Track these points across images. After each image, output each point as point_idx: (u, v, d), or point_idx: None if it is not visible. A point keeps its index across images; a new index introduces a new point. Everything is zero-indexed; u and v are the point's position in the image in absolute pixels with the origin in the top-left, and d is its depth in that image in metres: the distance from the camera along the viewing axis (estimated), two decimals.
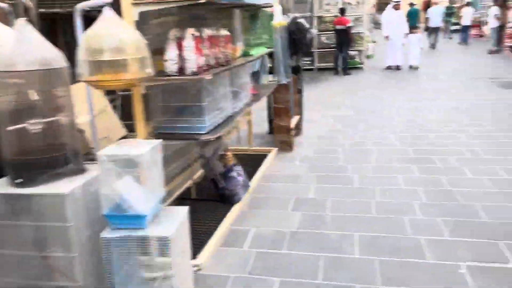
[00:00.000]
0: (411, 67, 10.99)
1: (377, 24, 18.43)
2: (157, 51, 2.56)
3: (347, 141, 5.25)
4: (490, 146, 4.71)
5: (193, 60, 2.42)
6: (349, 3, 11.67)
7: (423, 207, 3.37)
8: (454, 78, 9.43)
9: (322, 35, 11.77)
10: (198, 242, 2.88)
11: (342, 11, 10.89)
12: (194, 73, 2.44)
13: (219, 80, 2.79)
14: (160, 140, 2.21)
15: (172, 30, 2.44)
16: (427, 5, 18.18)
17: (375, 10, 25.67)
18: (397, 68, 11.03)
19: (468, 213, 3.22)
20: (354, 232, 3.03)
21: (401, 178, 3.98)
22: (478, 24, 18.61)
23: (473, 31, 18.42)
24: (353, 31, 11.06)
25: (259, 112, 5.76)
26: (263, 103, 5.58)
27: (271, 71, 5.02)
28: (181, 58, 2.43)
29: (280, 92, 4.87)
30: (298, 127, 5.59)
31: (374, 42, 15.26)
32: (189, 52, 2.41)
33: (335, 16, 11.15)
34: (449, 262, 2.60)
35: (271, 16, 4.99)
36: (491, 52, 13.37)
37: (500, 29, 13.24)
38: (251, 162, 4.48)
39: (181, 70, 2.45)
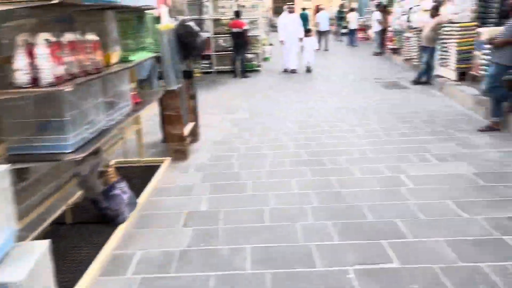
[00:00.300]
0: (306, 69, 11.36)
1: (273, 27, 18.90)
2: (10, 59, 2.18)
3: (243, 146, 5.18)
4: (375, 145, 4.96)
5: (49, 70, 2.09)
6: (243, 6, 11.73)
7: (315, 211, 3.38)
8: (345, 80, 9.96)
9: (219, 38, 11.71)
10: (73, 274, 2.55)
11: (237, 14, 10.92)
12: (51, 84, 2.11)
13: (86, 90, 2.48)
14: (7, 166, 1.86)
15: (20, 35, 2.08)
16: (318, 10, 19.15)
17: (272, 13, 26.51)
18: (293, 71, 11.33)
19: (355, 214, 3.29)
20: (247, 244, 2.92)
21: (294, 182, 3.99)
22: (364, 28, 20.07)
23: (360, 35, 19.82)
24: (249, 34, 11.16)
25: (155, 119, 5.46)
26: (155, 110, 5.29)
27: (160, 77, 4.76)
28: (33, 67, 2.09)
29: (171, 98, 4.63)
30: (194, 133, 5.39)
31: (271, 44, 15.64)
32: (43, 60, 2.08)
33: (231, 19, 11.14)
34: (338, 268, 2.60)
35: (157, 19, 4.72)
36: (375, 54, 14.45)
37: (383, 32, 14.36)
38: (142, 175, 4.19)
39: (35, 81, 2.11)
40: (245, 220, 3.28)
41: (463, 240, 2.84)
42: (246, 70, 11.10)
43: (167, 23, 4.77)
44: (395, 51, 12.78)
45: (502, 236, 2.86)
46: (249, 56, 11.65)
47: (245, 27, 10.79)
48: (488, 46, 5.64)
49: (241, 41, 10.76)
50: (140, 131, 4.65)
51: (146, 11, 4.14)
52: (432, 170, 4.12)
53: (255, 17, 12.09)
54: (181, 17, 5.36)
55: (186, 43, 5.10)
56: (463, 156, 4.43)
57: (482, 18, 7.16)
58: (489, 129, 5.22)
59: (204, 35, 5.33)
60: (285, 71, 11.46)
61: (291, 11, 11.24)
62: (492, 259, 2.60)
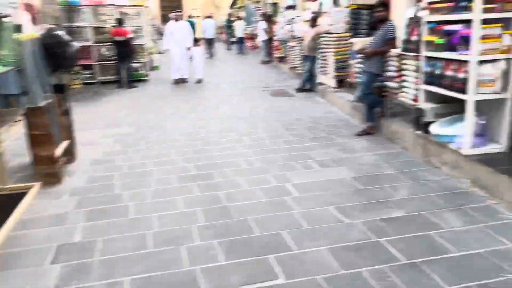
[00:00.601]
0: (196, 79, 11.15)
1: (162, 35, 18.50)
2: None
3: (126, 164, 4.83)
4: (262, 154, 4.99)
5: None
6: (126, 14, 11.20)
7: (201, 230, 3.24)
8: (234, 88, 10.02)
9: (102, 47, 11.02)
10: None
11: (120, 21, 10.38)
12: None
13: None
14: None
15: None
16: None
17: (160, 21, 25.94)
18: (183, 80, 11.06)
19: (242, 229, 3.22)
20: (125, 277, 2.66)
21: (180, 200, 3.80)
22: (253, 36, 20.59)
23: (249, 43, 20.32)
24: (134, 42, 10.68)
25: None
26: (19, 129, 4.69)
27: (25, 93, 4.22)
28: None
29: (37, 116, 4.12)
30: (69, 153, 4.89)
31: (160, 53, 15.23)
32: None
33: (113, 26, 10.54)
34: None
35: (18, 28, 4.20)
36: (263, 63, 14.87)
37: (269, 41, 14.84)
38: (5, 205, 3.65)
39: None
40: (125, 249, 3.00)
41: (344, 247, 2.92)
42: (133, 80, 10.60)
43: (31, 32, 4.27)
44: (282, 59, 13.27)
45: (378, 238, 3.00)
46: (135, 65, 11.15)
47: (129, 35, 10.30)
48: (359, 55, 6.06)
49: (125, 50, 10.25)
50: (1, 155, 4.07)
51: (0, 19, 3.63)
52: (315, 176, 4.24)
53: (140, 24, 11.62)
54: (48, 25, 4.86)
55: (55, 54, 4.64)
56: (343, 161, 4.66)
57: (354, 30, 7.71)
58: (365, 133, 5.60)
59: (76, 44, 4.86)
60: (175, 80, 11.12)
61: (178, 18, 10.96)
62: (370, 263, 2.71)
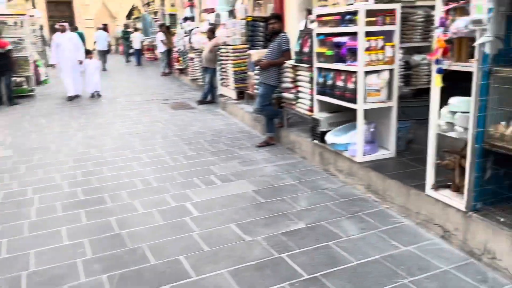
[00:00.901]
0: (91, 94, 10.32)
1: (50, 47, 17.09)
2: None
3: (0, 192, 4.21)
4: (160, 173, 4.70)
5: None
6: (5, 23, 10.10)
7: (88, 264, 2.87)
8: (132, 102, 9.50)
9: None
10: None
11: None
12: None
13: None
14: None
15: None
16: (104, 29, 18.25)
17: (49, 32, 24.04)
18: (75, 96, 10.16)
19: (135, 259, 2.92)
20: None
21: (64, 231, 3.37)
22: (152, 48, 19.96)
23: (148, 55, 19.68)
24: (14, 54, 9.64)
25: None
26: None
27: None
28: None
29: None
30: None
31: (49, 66, 14.00)
32: None
33: None
34: None
35: None
36: (163, 75, 14.45)
37: (169, 53, 14.46)
38: None
39: None
40: None
41: (246, 267, 2.78)
42: (14, 96, 9.52)
43: None
44: (182, 71, 12.99)
45: (280, 254, 2.91)
46: (17, 79, 10.06)
47: (8, 47, 9.25)
48: (256, 67, 6.07)
49: (4, 63, 9.18)
50: None
51: None
52: (216, 193, 4.07)
53: (23, 35, 10.53)
54: None
55: None
56: (244, 174, 4.56)
57: (251, 41, 7.75)
58: (266, 144, 5.59)
59: None
60: (67, 96, 10.14)
61: (63, 29, 10.05)
62: (273, 282, 2.60)
